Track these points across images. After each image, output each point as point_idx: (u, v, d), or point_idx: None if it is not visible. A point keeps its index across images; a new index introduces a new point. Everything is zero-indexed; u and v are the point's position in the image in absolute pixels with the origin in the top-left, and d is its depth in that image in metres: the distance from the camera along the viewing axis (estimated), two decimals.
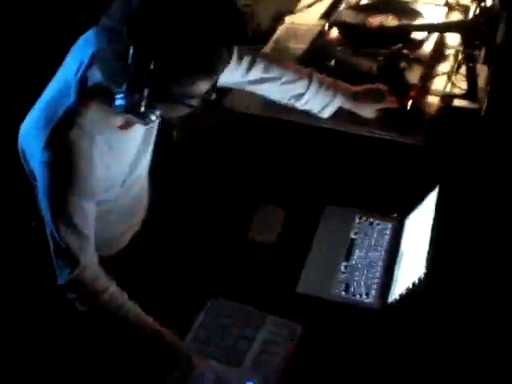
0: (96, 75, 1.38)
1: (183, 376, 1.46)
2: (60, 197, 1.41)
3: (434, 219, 1.61)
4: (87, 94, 1.40)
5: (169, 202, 1.92)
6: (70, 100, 1.40)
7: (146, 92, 1.28)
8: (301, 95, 1.81)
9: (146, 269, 1.74)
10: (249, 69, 1.75)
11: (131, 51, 1.23)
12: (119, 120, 1.48)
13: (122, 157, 1.56)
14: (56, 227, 1.41)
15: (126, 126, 1.51)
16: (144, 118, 1.36)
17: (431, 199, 1.69)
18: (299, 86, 1.80)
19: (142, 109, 1.31)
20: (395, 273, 1.69)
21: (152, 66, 1.24)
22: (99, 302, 1.45)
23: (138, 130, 1.58)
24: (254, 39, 2.41)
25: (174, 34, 1.25)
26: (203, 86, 1.34)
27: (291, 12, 2.42)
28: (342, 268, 1.74)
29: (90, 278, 1.45)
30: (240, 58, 1.73)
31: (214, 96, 1.41)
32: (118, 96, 1.31)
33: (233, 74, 1.73)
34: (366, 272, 1.73)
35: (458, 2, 2.32)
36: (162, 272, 1.74)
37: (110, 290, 1.47)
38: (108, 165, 1.49)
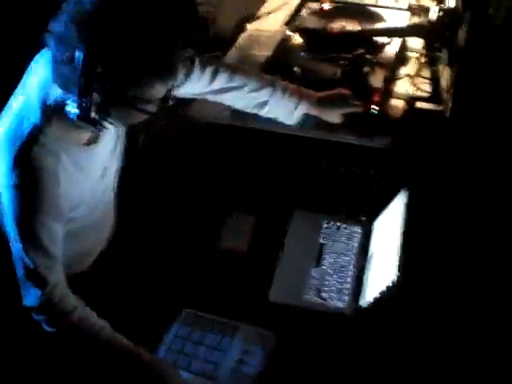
0: (57, 91, 1.35)
1: None
2: (28, 218, 1.38)
3: (404, 222, 1.61)
4: (49, 111, 1.38)
5: (137, 213, 1.90)
6: (32, 119, 1.37)
7: (94, 96, 1.26)
8: (265, 103, 1.81)
9: (117, 281, 1.72)
10: (212, 79, 1.74)
11: (77, 53, 1.21)
12: (84, 136, 1.46)
13: (90, 173, 1.53)
14: (25, 249, 1.38)
15: (92, 140, 1.48)
16: (96, 125, 1.33)
17: (399, 202, 1.70)
18: (263, 94, 1.79)
19: (93, 114, 1.28)
20: (366, 276, 1.69)
21: (100, 69, 1.22)
22: (69, 322, 1.42)
23: (106, 145, 1.56)
24: (216, 46, 2.40)
25: (123, 35, 1.22)
26: (157, 90, 1.31)
27: (253, 18, 2.41)
28: (313, 274, 1.74)
29: (59, 298, 1.41)
30: (203, 68, 1.71)
31: (171, 102, 1.38)
32: (70, 102, 1.29)
33: (196, 85, 1.72)
34: (336, 277, 1.73)
35: (419, 5, 2.34)
36: (132, 284, 1.72)
37: (79, 310, 1.44)
38: (75, 182, 1.47)
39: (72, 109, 1.29)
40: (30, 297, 1.41)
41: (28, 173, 1.35)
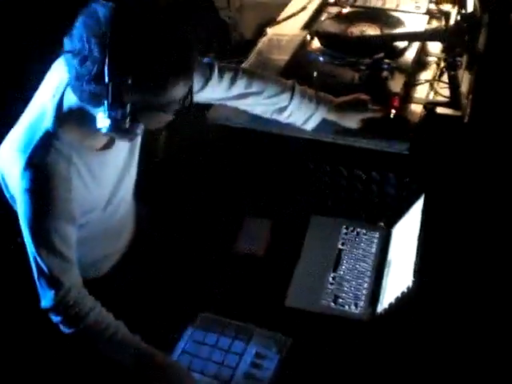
0: (72, 97, 1.37)
1: None
2: (41, 222, 1.40)
3: (421, 227, 1.60)
4: (64, 117, 1.40)
5: (155, 219, 1.91)
6: (47, 124, 1.40)
7: (128, 107, 1.27)
8: (284, 108, 1.81)
9: (134, 286, 1.73)
10: (231, 85, 1.75)
11: (106, 70, 1.22)
12: (98, 142, 1.48)
13: (103, 179, 1.55)
14: (38, 252, 1.41)
15: (106, 146, 1.50)
16: (129, 134, 1.35)
17: (417, 207, 1.69)
18: (282, 99, 1.80)
19: (127, 125, 1.30)
20: (383, 282, 1.69)
21: (130, 81, 1.24)
22: (85, 324, 1.44)
23: (120, 152, 1.58)
24: (237, 50, 2.41)
25: (147, 43, 1.24)
26: (179, 91, 1.33)
27: (273, 23, 2.41)
28: (330, 279, 1.73)
29: (75, 299, 1.43)
30: (221, 74, 1.72)
31: (191, 104, 1.40)
32: (101, 116, 1.30)
33: (215, 91, 1.73)
34: (354, 283, 1.72)
35: (439, 9, 2.32)
36: (149, 288, 1.73)
37: (95, 311, 1.46)
38: (88, 188, 1.48)
39: (103, 122, 1.30)
40: (47, 298, 1.43)
41: (40, 177, 1.37)
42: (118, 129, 1.31)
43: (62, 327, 1.46)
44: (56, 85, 1.43)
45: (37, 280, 1.44)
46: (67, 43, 1.29)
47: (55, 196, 1.39)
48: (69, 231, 1.44)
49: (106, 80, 1.23)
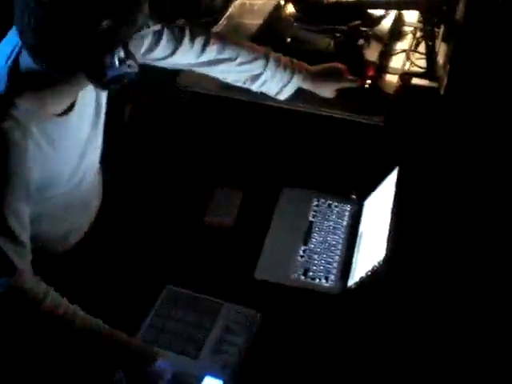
0: (27, 62, 1.27)
1: (135, 374, 1.38)
2: None
3: (394, 201, 1.58)
4: (20, 81, 1.30)
5: (122, 190, 1.86)
6: (0, 90, 1.29)
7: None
8: (257, 76, 1.75)
9: (100, 258, 1.68)
10: (202, 50, 1.69)
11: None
12: (58, 106, 1.38)
13: (65, 149, 1.44)
14: None
15: (67, 110, 1.41)
16: (122, 80, 1.26)
17: (390, 180, 1.66)
18: (255, 67, 1.74)
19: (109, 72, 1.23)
20: (355, 256, 1.67)
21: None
22: (42, 309, 1.33)
23: (83, 119, 1.49)
24: (207, 14, 2.34)
25: None
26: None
27: None
28: (301, 252, 1.71)
29: (29, 284, 1.33)
30: (193, 39, 1.66)
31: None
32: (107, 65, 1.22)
33: (185, 56, 1.67)
34: (324, 256, 1.70)
35: None
36: (115, 261, 1.68)
37: (52, 295, 1.36)
38: (48, 158, 1.38)
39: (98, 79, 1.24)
40: None
41: None
42: (105, 82, 1.24)
43: (17, 314, 1.34)
44: (11, 49, 1.33)
45: None
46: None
47: (10, 168, 1.28)
48: (23, 208, 1.33)
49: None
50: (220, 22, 2.14)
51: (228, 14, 2.20)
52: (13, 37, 1.35)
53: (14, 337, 1.37)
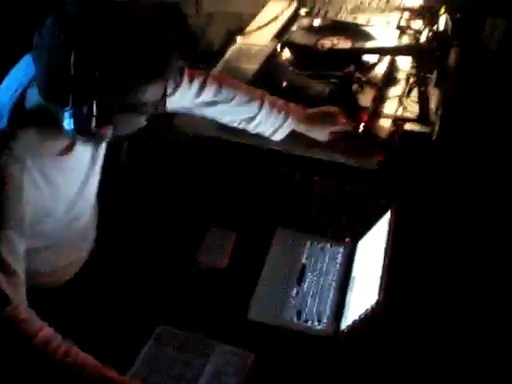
0: (34, 98, 1.30)
1: None
2: None
3: (387, 243, 1.58)
4: (23, 116, 1.32)
5: (117, 228, 1.86)
6: (2, 122, 1.31)
7: (95, 105, 1.21)
8: (252, 118, 1.78)
9: (92, 297, 1.68)
10: (200, 91, 1.71)
11: (72, 61, 1.16)
12: (58, 145, 1.40)
13: (62, 187, 1.45)
14: None
15: (65, 151, 1.43)
16: (95, 137, 1.29)
17: (384, 223, 1.67)
18: (250, 109, 1.76)
19: (94, 124, 1.24)
20: (348, 299, 1.66)
21: (97, 73, 1.18)
22: (33, 344, 1.30)
23: (80, 159, 1.50)
24: (203, 58, 2.37)
25: (117, 35, 1.19)
26: (154, 91, 1.28)
27: (242, 32, 2.39)
28: (294, 294, 1.70)
29: (22, 317, 1.30)
30: (191, 80, 1.68)
31: (165, 107, 1.35)
32: (65, 115, 1.23)
33: (183, 97, 1.69)
34: (317, 298, 1.69)
35: (409, 26, 2.33)
36: (108, 299, 1.67)
37: (43, 331, 1.33)
38: (42, 193, 1.39)
39: (67, 123, 1.24)
40: None
41: None
42: (84, 130, 1.25)
43: (5, 347, 1.31)
44: (16, 86, 1.35)
45: None
46: (36, 38, 1.23)
47: (5, 199, 1.28)
48: (18, 243, 1.33)
49: (72, 72, 1.17)
50: (217, 66, 2.17)
51: (225, 58, 2.23)
52: (20, 71, 1.38)
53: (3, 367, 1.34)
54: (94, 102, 1.21)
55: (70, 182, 1.50)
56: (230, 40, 2.37)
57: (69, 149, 1.43)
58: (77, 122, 1.23)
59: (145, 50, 1.22)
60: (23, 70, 1.37)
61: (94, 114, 1.22)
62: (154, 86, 1.27)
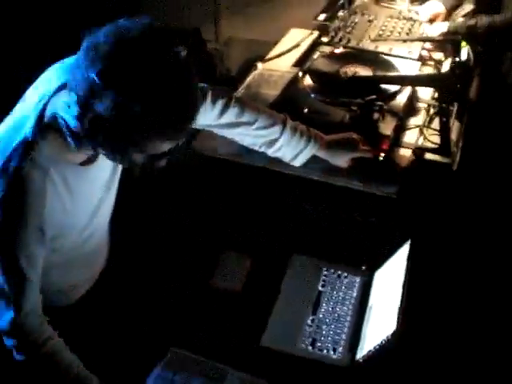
0: (56, 109, 1.31)
1: None
2: (7, 235, 1.31)
3: (406, 274, 1.56)
4: (46, 126, 1.33)
5: (130, 248, 1.85)
6: (26, 131, 1.32)
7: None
8: (273, 141, 1.77)
9: (105, 317, 1.67)
10: (222, 112, 1.71)
11: (114, 104, 1.18)
12: (80, 156, 1.41)
13: (81, 198, 1.46)
14: (1, 266, 1.32)
15: (88, 161, 1.43)
16: (128, 163, 1.34)
17: (402, 253, 1.65)
18: (272, 132, 1.76)
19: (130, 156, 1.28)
20: (364, 328, 1.64)
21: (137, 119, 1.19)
22: (41, 353, 1.35)
23: (102, 171, 1.51)
24: (222, 83, 2.38)
25: (159, 84, 1.19)
26: (161, 147, 1.30)
27: (265, 58, 2.39)
28: (309, 321, 1.68)
29: (33, 325, 1.35)
30: (214, 101, 1.68)
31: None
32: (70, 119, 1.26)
33: (206, 116, 1.69)
34: (333, 327, 1.67)
35: (431, 57, 2.33)
36: (121, 319, 1.67)
37: (53, 341, 1.37)
38: (64, 206, 1.41)
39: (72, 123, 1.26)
40: (3, 319, 1.34)
41: (11, 188, 1.29)
42: (117, 159, 1.31)
43: (14, 352, 1.37)
44: (42, 92, 1.36)
45: None
46: (73, 70, 1.23)
47: (27, 207, 1.31)
48: (36, 251, 1.35)
49: (108, 112, 1.18)
50: (238, 91, 2.18)
51: (246, 83, 2.24)
52: (42, 86, 1.39)
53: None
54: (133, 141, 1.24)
55: (89, 195, 1.50)
56: (250, 65, 2.37)
57: (91, 159, 1.44)
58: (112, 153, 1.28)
59: (183, 98, 1.23)
60: (45, 83, 1.39)
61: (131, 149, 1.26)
62: (165, 143, 1.29)
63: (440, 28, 2.38)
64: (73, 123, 1.25)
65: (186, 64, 1.24)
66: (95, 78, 1.17)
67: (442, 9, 2.52)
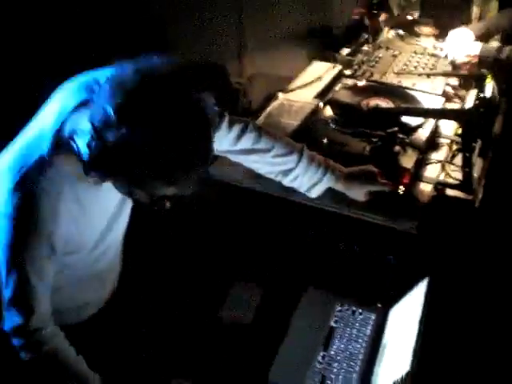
0: (72, 129, 1.32)
1: None
2: (19, 249, 1.33)
3: (423, 313, 1.50)
4: (62, 145, 1.34)
5: (142, 272, 1.81)
6: (43, 149, 1.34)
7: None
8: (290, 171, 1.73)
9: (113, 341, 1.65)
10: (239, 137, 1.68)
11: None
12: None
13: (93, 216, 1.47)
14: (11, 278, 1.34)
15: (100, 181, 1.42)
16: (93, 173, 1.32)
17: (419, 291, 1.60)
18: (289, 161, 1.72)
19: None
20: (376, 367, 1.58)
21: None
22: (46, 350, 1.38)
23: (115, 190, 1.49)
24: (245, 116, 2.35)
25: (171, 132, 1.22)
26: (167, 191, 1.31)
27: (287, 89, 2.38)
28: (319, 358, 1.63)
29: (40, 326, 1.38)
30: (230, 126, 1.66)
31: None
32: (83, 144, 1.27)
33: (221, 142, 1.66)
34: (344, 364, 1.62)
35: (455, 93, 2.29)
36: (128, 344, 1.65)
37: (56, 341, 1.41)
38: (77, 223, 1.41)
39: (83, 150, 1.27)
40: (12, 321, 1.37)
41: (26, 204, 1.32)
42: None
43: (21, 352, 1.40)
44: (58, 111, 1.37)
45: (5, 300, 1.37)
46: (95, 97, 1.25)
47: (40, 223, 1.33)
48: (46, 265, 1.37)
49: (115, 146, 1.21)
50: (258, 120, 2.15)
51: (266, 112, 2.22)
52: (59, 102, 1.40)
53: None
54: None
55: (102, 212, 1.50)
56: (271, 97, 2.35)
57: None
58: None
59: (193, 149, 1.25)
60: (63, 99, 1.39)
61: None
62: (172, 188, 1.30)
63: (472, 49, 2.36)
64: (83, 150, 1.27)
65: (205, 115, 1.26)
66: (112, 110, 1.19)
67: (470, 35, 2.49)
